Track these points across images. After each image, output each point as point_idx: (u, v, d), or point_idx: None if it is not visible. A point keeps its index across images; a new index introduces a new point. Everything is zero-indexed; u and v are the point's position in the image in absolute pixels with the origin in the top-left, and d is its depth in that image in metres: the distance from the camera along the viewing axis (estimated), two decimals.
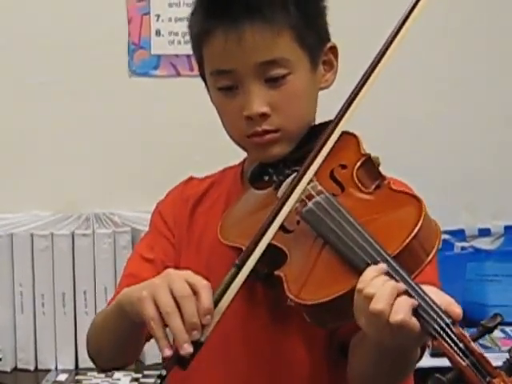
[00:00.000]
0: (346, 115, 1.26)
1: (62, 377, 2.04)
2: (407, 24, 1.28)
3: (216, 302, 1.17)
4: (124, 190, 2.28)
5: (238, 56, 1.30)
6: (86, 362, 1.98)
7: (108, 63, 2.25)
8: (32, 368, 2.07)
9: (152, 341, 1.23)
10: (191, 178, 1.52)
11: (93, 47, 2.23)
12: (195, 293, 1.17)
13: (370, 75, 1.28)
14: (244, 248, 1.26)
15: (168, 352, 1.15)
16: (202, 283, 1.18)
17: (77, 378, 2.03)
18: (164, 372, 1.17)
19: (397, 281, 1.09)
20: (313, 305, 1.16)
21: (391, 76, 2.31)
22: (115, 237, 2.08)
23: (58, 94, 2.25)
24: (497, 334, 2.13)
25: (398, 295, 1.08)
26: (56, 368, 2.08)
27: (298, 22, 1.33)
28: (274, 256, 1.22)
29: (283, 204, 1.22)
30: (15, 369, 2.08)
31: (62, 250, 2.05)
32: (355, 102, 1.26)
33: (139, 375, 1.98)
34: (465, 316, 1.24)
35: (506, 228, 2.42)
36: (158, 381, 1.17)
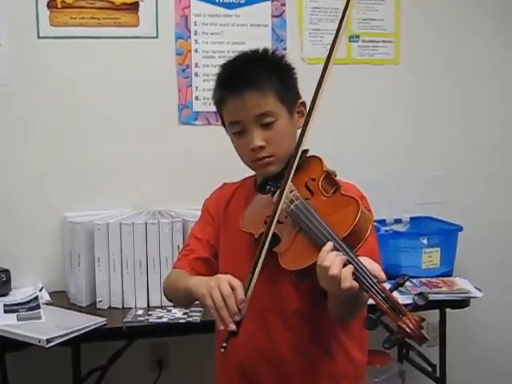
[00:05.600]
0: (300, 148, 1.37)
1: (139, 312, 2.35)
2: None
3: (245, 293, 1.31)
4: (177, 195, 2.59)
5: (243, 112, 1.45)
6: (153, 302, 2.37)
7: (166, 117, 2.67)
8: (120, 307, 2.40)
9: None
10: (224, 184, 1.70)
11: (158, 107, 2.66)
12: (233, 288, 1.29)
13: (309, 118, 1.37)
14: (254, 233, 1.41)
15: (221, 327, 1.29)
16: (237, 283, 1.31)
17: (148, 312, 2.34)
18: (224, 344, 1.31)
19: (343, 254, 1.19)
20: (293, 270, 1.30)
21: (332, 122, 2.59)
22: (172, 225, 2.38)
23: (136, 137, 2.64)
24: (408, 284, 2.32)
25: (344, 265, 1.18)
26: (135, 306, 2.40)
27: (278, 88, 1.47)
28: (273, 239, 1.35)
29: (277, 208, 1.36)
30: (110, 307, 2.40)
31: (139, 233, 2.38)
32: (304, 136, 1.38)
33: (187, 310, 2.29)
34: (387, 272, 1.27)
35: (411, 218, 2.85)
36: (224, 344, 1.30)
